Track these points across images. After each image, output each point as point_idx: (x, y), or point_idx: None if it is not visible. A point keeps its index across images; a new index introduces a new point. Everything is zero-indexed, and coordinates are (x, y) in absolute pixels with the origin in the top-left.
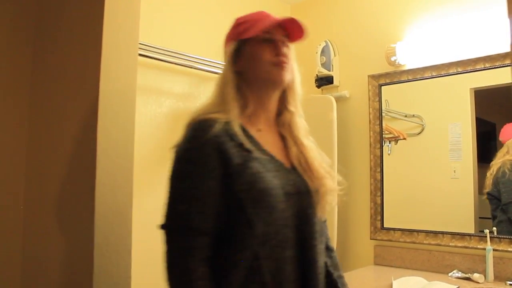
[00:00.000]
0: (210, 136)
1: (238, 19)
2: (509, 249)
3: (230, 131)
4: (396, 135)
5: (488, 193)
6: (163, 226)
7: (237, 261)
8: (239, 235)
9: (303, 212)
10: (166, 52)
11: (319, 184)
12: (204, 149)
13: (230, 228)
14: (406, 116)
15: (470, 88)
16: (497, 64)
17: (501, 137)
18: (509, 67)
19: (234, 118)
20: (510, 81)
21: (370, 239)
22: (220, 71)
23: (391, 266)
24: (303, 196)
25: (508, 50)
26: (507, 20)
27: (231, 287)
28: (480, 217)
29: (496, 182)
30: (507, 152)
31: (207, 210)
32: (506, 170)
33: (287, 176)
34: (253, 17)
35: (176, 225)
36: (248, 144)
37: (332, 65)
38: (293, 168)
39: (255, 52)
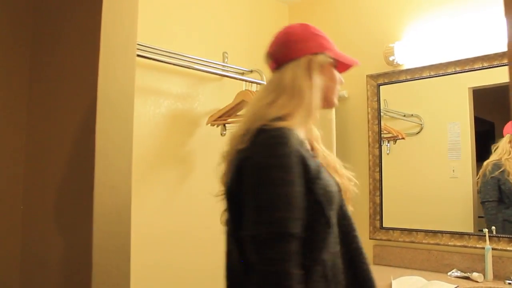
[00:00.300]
0: (293, 143)
1: (311, 28)
2: (508, 248)
3: (299, 139)
4: (395, 134)
5: (479, 192)
6: (255, 234)
7: (319, 259)
8: (320, 235)
9: (341, 209)
10: (164, 53)
11: (344, 182)
12: (291, 156)
13: (310, 230)
14: (404, 115)
15: (469, 88)
16: (495, 63)
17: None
18: (507, 66)
19: (302, 126)
20: (508, 80)
21: (369, 238)
22: (218, 71)
23: (390, 266)
24: (339, 194)
25: (506, 49)
26: (504, 20)
27: (313, 284)
28: (479, 216)
29: (480, 182)
30: (494, 152)
31: (299, 215)
32: (487, 172)
33: (330, 177)
34: (325, 35)
35: (272, 232)
36: (311, 151)
37: None
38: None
39: (334, 72)
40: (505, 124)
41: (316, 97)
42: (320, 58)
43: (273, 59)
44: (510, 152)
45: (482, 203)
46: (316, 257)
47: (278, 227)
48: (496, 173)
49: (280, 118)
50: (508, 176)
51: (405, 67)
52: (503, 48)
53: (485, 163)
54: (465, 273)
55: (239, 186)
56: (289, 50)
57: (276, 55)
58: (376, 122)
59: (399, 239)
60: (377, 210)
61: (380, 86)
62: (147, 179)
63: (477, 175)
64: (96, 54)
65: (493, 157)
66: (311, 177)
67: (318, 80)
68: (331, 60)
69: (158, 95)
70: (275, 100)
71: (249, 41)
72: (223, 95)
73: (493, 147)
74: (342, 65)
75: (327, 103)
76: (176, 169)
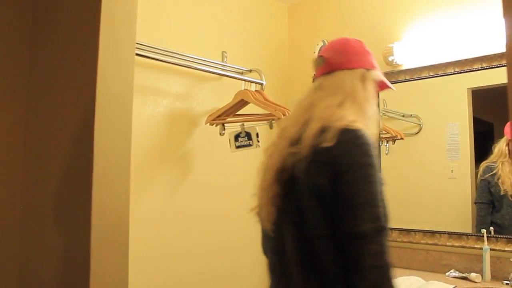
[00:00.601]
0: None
1: (364, 45)
2: (506, 249)
3: None
4: (394, 135)
5: None
6: (361, 230)
7: None
8: None
9: None
10: (163, 52)
11: None
12: (375, 156)
13: None
14: (403, 116)
15: (468, 88)
16: (494, 64)
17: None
18: (506, 67)
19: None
20: (507, 81)
21: None
22: (217, 71)
23: None
24: None
25: (505, 50)
26: (503, 21)
27: None
28: None
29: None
30: (493, 153)
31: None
32: (479, 174)
33: None
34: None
35: (376, 227)
36: None
37: None
38: None
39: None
40: (504, 124)
41: (370, 107)
42: (373, 74)
43: (328, 63)
44: (506, 154)
45: (475, 203)
46: None
47: (379, 222)
48: (487, 175)
49: (355, 121)
50: (498, 179)
51: (404, 67)
52: (502, 48)
53: (481, 164)
54: (463, 273)
55: (331, 183)
56: (347, 59)
57: (332, 60)
58: None
59: (397, 239)
60: None
61: None
62: (146, 178)
63: (475, 176)
64: (95, 52)
65: (490, 158)
66: (381, 178)
67: (369, 93)
68: (381, 79)
69: (157, 94)
70: (343, 103)
71: (249, 41)
72: (222, 95)
73: (493, 148)
74: (379, 85)
75: None
76: (174, 168)
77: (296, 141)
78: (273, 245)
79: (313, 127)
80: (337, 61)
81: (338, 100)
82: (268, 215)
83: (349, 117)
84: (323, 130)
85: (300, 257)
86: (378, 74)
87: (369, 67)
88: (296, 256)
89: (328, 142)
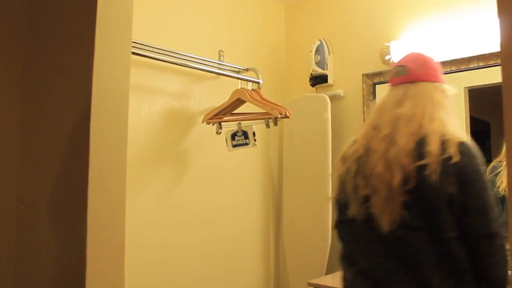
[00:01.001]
0: None
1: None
2: None
3: None
4: None
5: None
6: (491, 231)
7: None
8: None
9: None
10: (159, 51)
11: None
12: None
13: None
14: None
15: (464, 87)
16: (491, 63)
17: None
18: None
19: None
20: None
21: None
22: (214, 70)
23: None
24: None
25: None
26: (498, 20)
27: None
28: None
29: None
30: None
31: None
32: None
33: None
34: None
35: (498, 226)
36: None
37: (327, 64)
38: None
39: None
40: (500, 123)
41: (455, 119)
42: (449, 89)
43: (411, 73)
44: None
45: None
46: None
47: (498, 221)
48: (492, 175)
49: (462, 134)
50: (499, 179)
51: None
52: (498, 48)
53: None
54: None
55: (459, 191)
56: (428, 72)
57: (416, 71)
58: None
59: None
60: None
61: (376, 85)
62: (142, 178)
63: None
64: (91, 51)
65: (499, 157)
66: None
67: (450, 105)
68: (451, 94)
69: (153, 93)
70: (442, 116)
71: (245, 40)
72: (218, 94)
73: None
74: None
75: None
76: (171, 167)
77: (415, 153)
78: (387, 250)
79: (434, 141)
80: (419, 72)
81: (438, 112)
82: (387, 223)
83: (456, 130)
84: (442, 143)
85: (433, 258)
86: (450, 88)
87: (443, 82)
88: (428, 257)
89: (453, 155)
